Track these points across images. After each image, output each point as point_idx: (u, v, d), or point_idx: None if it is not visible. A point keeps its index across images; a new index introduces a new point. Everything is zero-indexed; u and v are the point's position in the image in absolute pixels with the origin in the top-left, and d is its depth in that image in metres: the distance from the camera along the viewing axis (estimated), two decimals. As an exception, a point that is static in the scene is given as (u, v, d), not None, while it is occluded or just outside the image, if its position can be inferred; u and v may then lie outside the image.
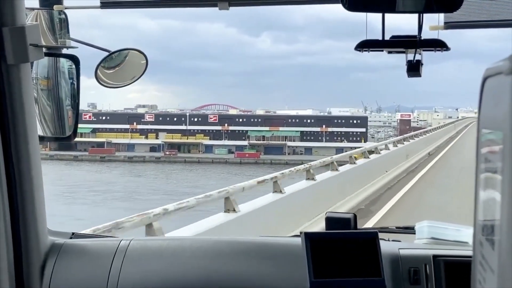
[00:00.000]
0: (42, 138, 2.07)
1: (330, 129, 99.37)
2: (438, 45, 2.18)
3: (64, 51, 2.14)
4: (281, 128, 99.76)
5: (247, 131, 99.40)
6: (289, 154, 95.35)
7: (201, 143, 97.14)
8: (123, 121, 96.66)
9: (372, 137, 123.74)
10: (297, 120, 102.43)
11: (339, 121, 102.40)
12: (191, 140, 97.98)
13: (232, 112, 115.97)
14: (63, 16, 2.13)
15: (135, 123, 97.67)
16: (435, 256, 2.18)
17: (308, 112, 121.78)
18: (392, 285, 1.95)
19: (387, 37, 2.16)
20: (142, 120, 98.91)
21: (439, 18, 2.20)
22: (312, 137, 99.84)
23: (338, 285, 1.82)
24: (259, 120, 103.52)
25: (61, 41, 2.14)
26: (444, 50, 2.19)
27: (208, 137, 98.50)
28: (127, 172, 73.26)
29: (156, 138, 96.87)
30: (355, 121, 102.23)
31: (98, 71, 2.18)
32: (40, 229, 2.08)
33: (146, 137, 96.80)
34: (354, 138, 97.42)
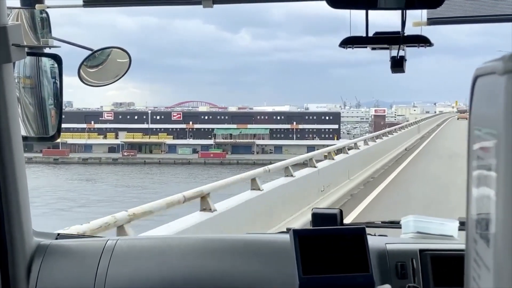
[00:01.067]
0: (25, 138, 2.17)
1: (301, 126, 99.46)
2: (421, 41, 2.34)
3: (47, 50, 2.25)
4: (249, 126, 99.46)
5: (213, 129, 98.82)
6: (257, 153, 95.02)
7: (164, 142, 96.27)
8: (80, 120, 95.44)
9: (348, 133, 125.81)
10: (267, 117, 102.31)
11: (311, 117, 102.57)
12: (153, 139, 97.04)
13: (202, 109, 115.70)
14: (44, 15, 2.23)
15: (92, 122, 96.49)
16: (421, 250, 2.36)
17: (286, 108, 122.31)
18: (380, 279, 2.09)
19: (371, 33, 2.32)
20: (100, 118, 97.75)
21: (422, 14, 2.35)
22: (282, 134, 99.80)
23: (327, 281, 1.92)
24: (227, 117, 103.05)
25: (43, 41, 2.24)
26: (427, 46, 2.35)
27: (172, 136, 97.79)
28: (77, 175, 71.61)
29: (116, 138, 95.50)
30: (327, 118, 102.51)
31: (81, 70, 2.29)
32: (25, 230, 2.18)
33: (105, 137, 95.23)
34: (327, 135, 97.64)
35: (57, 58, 2.20)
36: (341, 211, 2.58)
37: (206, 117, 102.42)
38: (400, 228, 2.72)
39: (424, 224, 2.63)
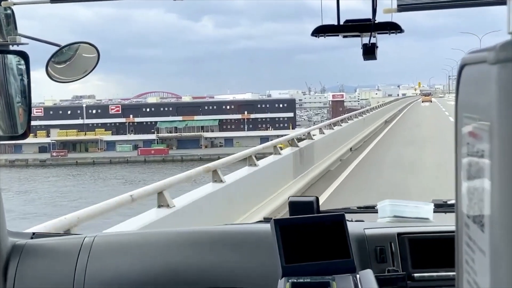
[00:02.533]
0: (-5, 138, 2.31)
1: (253, 116, 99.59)
2: (392, 27, 2.58)
3: (12, 47, 2.39)
4: (196, 117, 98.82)
5: (156, 122, 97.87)
6: (206, 147, 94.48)
7: (100, 139, 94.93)
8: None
9: (309, 121, 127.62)
10: (215, 107, 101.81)
11: (263, 105, 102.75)
12: (89, 136, 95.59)
13: (151, 100, 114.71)
14: (9, 11, 2.37)
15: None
16: (399, 234, 2.64)
17: (247, 96, 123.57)
18: (360, 265, 2.30)
19: (342, 21, 2.54)
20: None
21: (392, 1, 2.58)
22: (233, 125, 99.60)
23: (309, 268, 2.08)
24: (171, 108, 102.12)
25: (9, 38, 2.38)
26: (398, 32, 2.60)
27: (110, 132, 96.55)
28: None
29: (47, 136, 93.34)
30: (281, 105, 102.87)
31: (49, 67, 2.44)
32: None
33: (35, 135, 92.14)
34: (281, 125, 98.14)
35: (23, 55, 2.34)
36: (317, 199, 2.81)
37: (148, 110, 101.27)
38: (377, 212, 3.01)
39: (400, 208, 2.92)
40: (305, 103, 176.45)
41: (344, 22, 2.57)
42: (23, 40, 2.37)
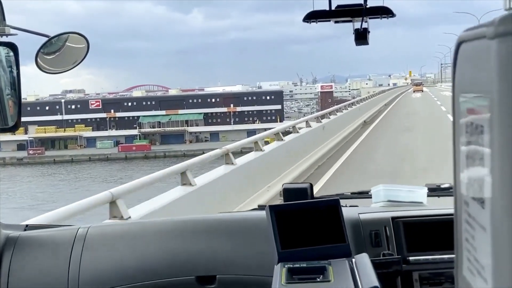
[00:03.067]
0: (-16, 131, 2.37)
1: (239, 109, 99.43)
2: (383, 12, 2.67)
3: (1, 38, 2.45)
4: (180, 111, 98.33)
5: (138, 117, 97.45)
6: (191, 142, 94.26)
7: (80, 135, 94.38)
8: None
9: (300, 112, 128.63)
10: (200, 100, 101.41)
11: (250, 98, 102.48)
12: (68, 132, 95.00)
13: (136, 94, 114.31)
14: (-3, 2, 2.42)
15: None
16: (393, 218, 2.74)
17: (238, 88, 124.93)
18: (355, 249, 2.36)
19: (333, 7, 2.62)
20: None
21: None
22: (218, 119, 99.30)
23: (305, 253, 2.15)
24: (153, 102, 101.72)
25: (-2, 28, 2.44)
26: (390, 17, 2.68)
27: (91, 128, 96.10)
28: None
29: (25, 133, 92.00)
30: (268, 97, 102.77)
31: (38, 58, 2.50)
32: None
33: (13, 133, 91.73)
34: (269, 118, 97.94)
35: (12, 47, 2.40)
36: (311, 185, 2.90)
37: (130, 104, 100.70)
38: (370, 198, 3.12)
39: (394, 193, 3.04)
40: (296, 94, 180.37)
41: (336, 8, 2.65)
42: (12, 31, 2.42)
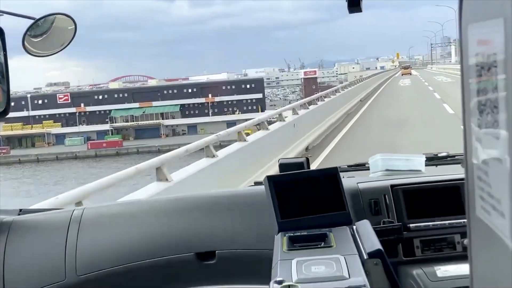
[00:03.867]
0: (-26, 116, 2.47)
1: (218, 99, 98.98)
2: None
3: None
4: (154, 103, 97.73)
5: (110, 111, 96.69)
6: (167, 136, 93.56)
7: (48, 132, 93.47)
8: None
9: (285, 99, 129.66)
10: (175, 91, 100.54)
11: (229, 87, 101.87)
12: (36, 130, 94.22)
13: (113, 86, 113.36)
14: (-18, -16, 2.52)
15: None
16: (392, 186, 2.89)
17: (223, 76, 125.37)
18: (355, 218, 2.44)
19: None
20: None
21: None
22: (196, 110, 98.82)
23: (305, 222, 2.24)
24: (125, 95, 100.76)
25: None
26: None
27: (60, 124, 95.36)
28: None
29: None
30: (247, 86, 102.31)
31: (25, 41, 2.61)
32: None
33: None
34: (250, 107, 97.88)
35: (-1, 30, 2.49)
36: (307, 159, 3.03)
37: (101, 97, 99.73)
38: (368, 169, 3.27)
39: (392, 162, 3.19)
40: (283, 81, 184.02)
41: None
42: (-3, 14, 2.51)
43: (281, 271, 1.85)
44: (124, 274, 2.61)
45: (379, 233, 2.47)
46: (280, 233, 2.18)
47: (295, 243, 2.08)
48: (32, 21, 2.62)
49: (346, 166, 3.57)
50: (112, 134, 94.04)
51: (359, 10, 2.81)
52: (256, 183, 3.47)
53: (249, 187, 3.08)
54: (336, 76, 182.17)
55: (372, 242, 2.06)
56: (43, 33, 2.67)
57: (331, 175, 2.36)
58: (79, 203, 5.59)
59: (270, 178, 2.32)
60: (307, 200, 2.30)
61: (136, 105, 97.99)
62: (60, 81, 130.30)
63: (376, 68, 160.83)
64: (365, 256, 1.98)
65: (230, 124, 73.97)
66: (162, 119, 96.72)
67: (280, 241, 2.11)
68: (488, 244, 0.87)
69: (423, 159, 3.21)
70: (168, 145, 73.53)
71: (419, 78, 70.80)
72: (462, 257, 2.61)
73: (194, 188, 9.04)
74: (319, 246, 2.06)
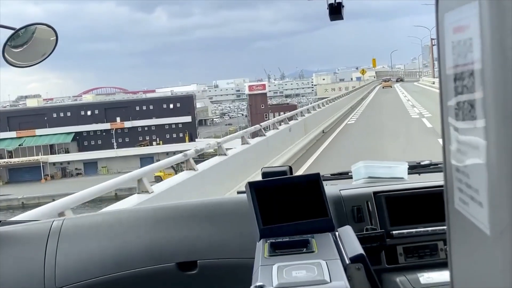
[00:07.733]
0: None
1: (129, 124, 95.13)
2: None
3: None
4: (38, 131, 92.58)
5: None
6: (53, 178, 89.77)
7: None
8: None
9: (246, 116, 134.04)
10: (70, 114, 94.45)
11: (146, 107, 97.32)
12: None
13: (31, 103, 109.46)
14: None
15: None
16: (375, 193, 3.70)
17: (192, 87, 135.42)
18: (337, 225, 2.91)
19: None
20: None
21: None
22: (98, 140, 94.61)
23: (288, 228, 2.71)
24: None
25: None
26: None
27: None
28: None
29: None
30: (171, 105, 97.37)
31: (5, 51, 3.32)
32: None
33: None
34: (175, 135, 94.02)
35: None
36: (290, 168, 3.73)
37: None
38: (351, 178, 4.09)
39: (374, 169, 4.02)
40: (227, 95, 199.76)
41: None
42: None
43: (262, 276, 2.26)
44: (104, 285, 3.30)
45: (362, 240, 3.03)
46: (261, 240, 2.70)
47: (277, 249, 2.55)
48: (12, 31, 3.33)
49: (329, 175, 4.39)
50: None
51: (341, 18, 3.49)
52: (239, 193, 4.17)
53: (231, 196, 3.84)
54: (312, 87, 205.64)
55: (354, 247, 2.56)
56: (24, 44, 3.39)
57: (313, 181, 2.91)
58: (61, 214, 6.79)
59: (251, 185, 2.84)
60: (289, 206, 2.82)
61: (13, 134, 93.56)
62: (31, 94, 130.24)
63: (351, 79, 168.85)
64: (347, 261, 2.43)
65: (145, 159, 72.45)
66: (48, 154, 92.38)
67: (261, 248, 2.60)
68: (467, 234, 1.05)
69: (405, 166, 4.04)
70: (48, 195, 65.16)
71: (410, 107, 54.42)
72: (445, 264, 3.26)
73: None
74: (301, 251, 2.52)
